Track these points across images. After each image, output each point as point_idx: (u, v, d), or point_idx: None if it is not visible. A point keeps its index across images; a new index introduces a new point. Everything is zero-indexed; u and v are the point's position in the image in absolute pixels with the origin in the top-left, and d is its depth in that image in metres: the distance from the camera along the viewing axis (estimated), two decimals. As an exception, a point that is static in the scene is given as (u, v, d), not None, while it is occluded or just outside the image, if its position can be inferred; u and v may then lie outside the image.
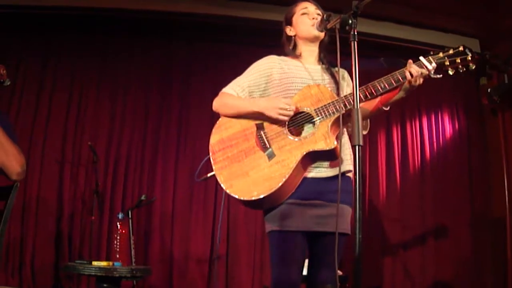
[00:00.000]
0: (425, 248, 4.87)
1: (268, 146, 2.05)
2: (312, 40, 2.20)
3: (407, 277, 4.76)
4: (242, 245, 4.61)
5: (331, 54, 1.80)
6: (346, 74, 2.25)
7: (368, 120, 2.18)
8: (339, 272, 2.84)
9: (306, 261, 2.15)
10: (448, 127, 5.26)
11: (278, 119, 2.04)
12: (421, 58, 2.00)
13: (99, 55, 4.84)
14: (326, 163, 2.05)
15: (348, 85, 2.21)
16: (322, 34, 2.17)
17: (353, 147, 1.61)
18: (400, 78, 1.96)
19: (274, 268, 2.04)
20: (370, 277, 4.69)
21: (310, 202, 2.02)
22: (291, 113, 2.03)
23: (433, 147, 5.17)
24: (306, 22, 2.18)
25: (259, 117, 2.09)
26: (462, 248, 4.88)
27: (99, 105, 4.75)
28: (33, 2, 4.43)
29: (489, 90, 4.88)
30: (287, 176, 1.96)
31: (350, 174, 2.13)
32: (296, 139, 2.02)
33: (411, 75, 1.95)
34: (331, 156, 2.01)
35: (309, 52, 2.23)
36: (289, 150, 2.01)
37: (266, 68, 2.20)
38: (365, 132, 2.17)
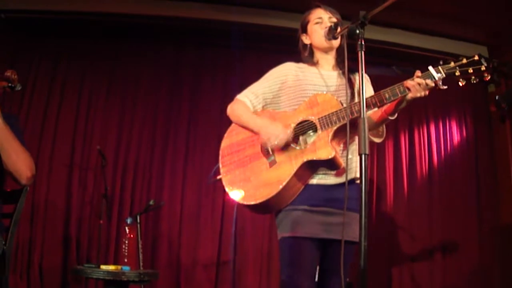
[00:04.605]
0: (433, 256, 4.83)
1: (271, 153, 2.08)
2: (326, 50, 2.19)
3: (415, 286, 4.73)
4: (249, 250, 4.59)
5: (353, 61, 1.79)
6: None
7: (384, 127, 2.17)
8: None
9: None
10: (456, 134, 5.23)
11: (265, 143, 2.06)
12: (430, 68, 1.89)
13: (109, 60, 4.89)
14: (333, 171, 2.04)
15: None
16: (335, 43, 2.15)
17: (359, 156, 1.62)
18: (405, 89, 1.90)
19: (282, 274, 2.05)
20: (377, 285, 4.68)
21: (319, 209, 2.02)
22: (281, 142, 2.02)
23: (441, 154, 5.14)
24: (320, 32, 2.15)
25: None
26: (469, 256, 4.84)
27: (109, 109, 4.78)
28: (44, 7, 4.49)
29: (497, 97, 4.88)
30: (284, 184, 1.98)
31: (359, 181, 2.12)
32: (298, 148, 2.04)
33: (413, 86, 1.87)
34: (332, 165, 2.00)
35: (325, 59, 2.22)
36: (289, 158, 2.03)
37: (281, 75, 2.21)
38: (380, 140, 2.18)
